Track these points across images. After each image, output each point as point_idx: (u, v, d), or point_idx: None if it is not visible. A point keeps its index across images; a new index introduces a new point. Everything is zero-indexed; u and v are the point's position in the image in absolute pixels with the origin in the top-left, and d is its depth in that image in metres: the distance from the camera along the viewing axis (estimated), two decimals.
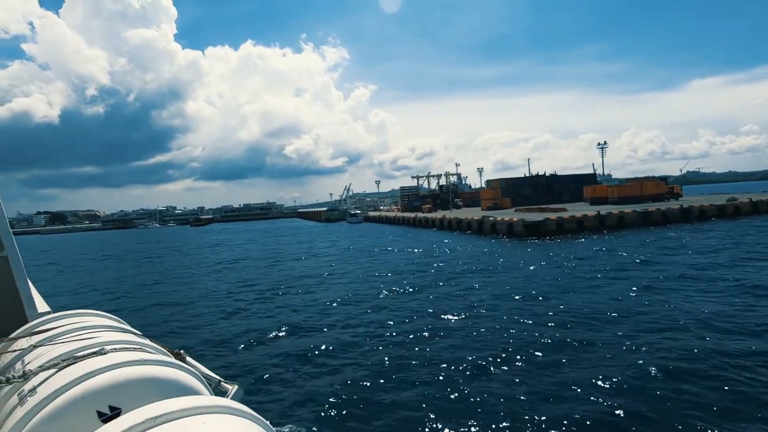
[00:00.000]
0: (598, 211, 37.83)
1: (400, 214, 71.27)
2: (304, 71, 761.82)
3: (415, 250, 31.97)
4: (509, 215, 42.82)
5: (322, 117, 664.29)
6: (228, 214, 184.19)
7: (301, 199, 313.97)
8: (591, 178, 75.81)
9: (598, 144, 61.81)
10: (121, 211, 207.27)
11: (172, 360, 2.00)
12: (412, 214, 65.96)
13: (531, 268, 21.03)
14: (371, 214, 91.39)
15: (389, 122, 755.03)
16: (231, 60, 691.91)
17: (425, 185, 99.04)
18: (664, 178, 60.55)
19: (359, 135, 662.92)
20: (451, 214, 56.50)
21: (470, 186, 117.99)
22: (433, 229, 53.44)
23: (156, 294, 22.11)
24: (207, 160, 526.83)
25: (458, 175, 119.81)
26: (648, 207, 39.96)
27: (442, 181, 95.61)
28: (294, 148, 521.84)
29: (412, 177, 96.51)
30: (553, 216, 36.31)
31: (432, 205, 73.79)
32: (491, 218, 41.33)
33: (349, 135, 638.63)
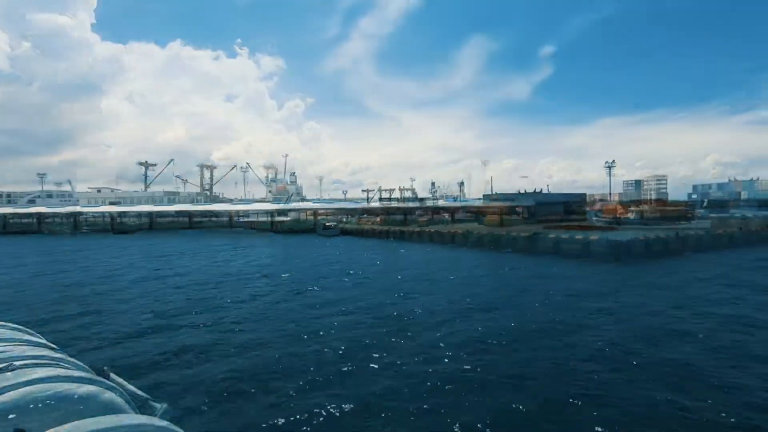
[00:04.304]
0: (677, 232, 34.78)
1: (395, 228, 64.12)
2: (239, 76, 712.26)
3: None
4: (531, 231, 38.27)
5: (254, 125, 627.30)
6: None
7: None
8: (579, 198, 76.08)
9: (606, 162, 60.67)
10: None
11: (93, 377, 1.77)
12: (416, 228, 59.47)
13: None
14: (348, 227, 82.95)
15: (325, 135, 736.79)
16: (156, 58, 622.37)
17: (376, 199, 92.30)
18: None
19: (293, 146, 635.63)
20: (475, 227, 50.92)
21: (424, 200, 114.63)
22: (440, 243, 47.57)
23: (80, 304, 18.24)
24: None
25: (413, 189, 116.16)
26: (717, 229, 37.97)
27: (396, 195, 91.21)
28: (223, 154, 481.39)
29: (363, 191, 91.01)
30: (641, 236, 32.25)
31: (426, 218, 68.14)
32: (552, 235, 36.33)
33: (283, 145, 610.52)
